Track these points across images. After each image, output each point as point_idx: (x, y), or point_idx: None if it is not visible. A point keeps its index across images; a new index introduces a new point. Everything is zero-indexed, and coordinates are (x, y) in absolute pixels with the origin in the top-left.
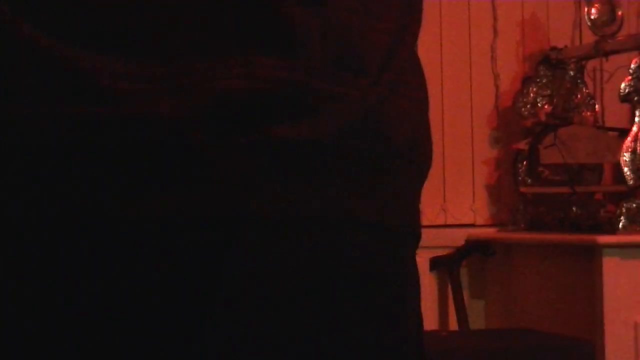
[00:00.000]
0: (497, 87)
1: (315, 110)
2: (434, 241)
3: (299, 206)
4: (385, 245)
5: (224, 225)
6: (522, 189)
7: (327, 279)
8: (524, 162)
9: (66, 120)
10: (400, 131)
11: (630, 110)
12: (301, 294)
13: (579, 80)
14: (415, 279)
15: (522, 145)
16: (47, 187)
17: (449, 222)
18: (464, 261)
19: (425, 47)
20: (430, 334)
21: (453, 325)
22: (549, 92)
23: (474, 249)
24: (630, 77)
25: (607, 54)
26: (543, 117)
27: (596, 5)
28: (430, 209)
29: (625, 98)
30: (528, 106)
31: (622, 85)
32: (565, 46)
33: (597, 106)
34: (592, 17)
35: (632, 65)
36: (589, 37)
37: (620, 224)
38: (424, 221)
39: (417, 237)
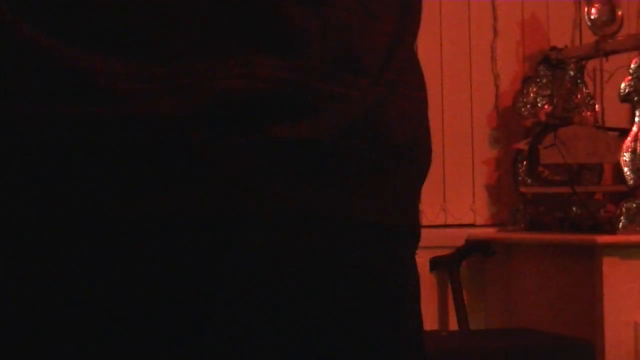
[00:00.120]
0: (497, 87)
1: (315, 110)
2: (434, 241)
3: (299, 206)
4: (385, 245)
5: (224, 225)
6: (522, 189)
7: (327, 279)
8: (524, 162)
9: (66, 120)
10: (400, 131)
11: (630, 110)
12: (301, 294)
13: (579, 80)
14: (415, 279)
15: (522, 145)
16: (47, 187)
17: (449, 222)
18: (464, 261)
19: (425, 47)
20: (430, 334)
21: (453, 325)
22: (549, 92)
23: (474, 249)
24: (630, 77)
25: (607, 54)
26: (543, 117)
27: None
28: (430, 209)
29: (625, 98)
30: (528, 106)
31: (622, 85)
32: (565, 46)
33: (597, 106)
34: (592, 17)
35: (632, 65)
36: (589, 37)
37: (620, 224)
38: (424, 221)
39: (417, 237)
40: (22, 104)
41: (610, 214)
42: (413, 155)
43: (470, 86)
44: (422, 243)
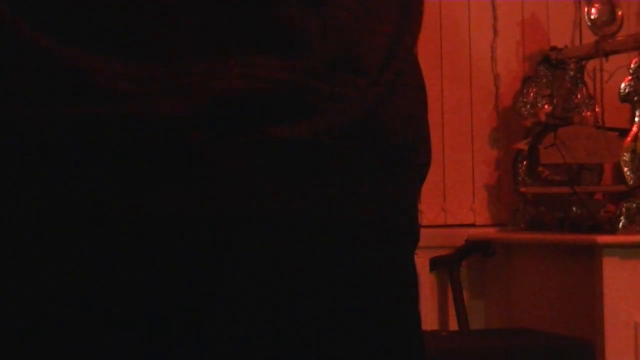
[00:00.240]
0: (497, 87)
1: (315, 110)
2: (434, 241)
3: (299, 206)
4: (385, 245)
5: (224, 225)
6: (522, 189)
7: (327, 279)
8: (524, 162)
9: (66, 120)
10: (399, 131)
11: (630, 110)
12: (301, 294)
13: (579, 80)
14: (414, 279)
15: (522, 145)
16: (47, 187)
17: (449, 222)
18: (464, 261)
19: (426, 47)
20: (430, 334)
21: (453, 325)
22: (549, 92)
23: (474, 249)
24: (630, 77)
25: (607, 54)
26: (543, 117)
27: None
28: (430, 209)
29: (625, 98)
30: (528, 106)
31: (622, 85)
32: (565, 46)
33: (597, 106)
34: (592, 17)
35: (632, 65)
36: (589, 37)
37: (620, 224)
38: (424, 221)
39: (416, 238)
40: (22, 104)
41: (610, 214)
42: (412, 156)
43: (470, 86)
44: (422, 243)
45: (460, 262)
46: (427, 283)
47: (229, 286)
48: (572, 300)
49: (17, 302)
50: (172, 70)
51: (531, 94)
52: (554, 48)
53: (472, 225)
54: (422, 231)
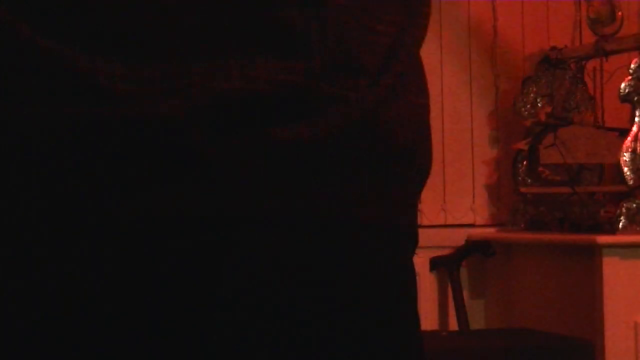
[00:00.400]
0: (497, 87)
1: (315, 111)
2: (434, 241)
3: (299, 207)
4: (384, 246)
5: (224, 225)
6: (522, 189)
7: (327, 279)
8: (524, 162)
9: (66, 121)
10: (399, 133)
11: (630, 110)
12: (301, 294)
13: (578, 80)
14: (413, 280)
15: (522, 145)
16: (47, 187)
17: (449, 222)
18: (464, 261)
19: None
20: (430, 334)
21: (453, 325)
22: (549, 92)
23: (474, 249)
24: (630, 77)
25: (607, 54)
26: (543, 117)
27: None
28: (430, 209)
29: (625, 98)
30: (528, 106)
31: (622, 85)
32: (565, 46)
33: (597, 106)
34: (592, 17)
35: (632, 65)
36: (589, 37)
37: (620, 224)
38: (424, 221)
39: (415, 240)
40: (22, 104)
41: (610, 214)
42: (412, 158)
43: (470, 86)
44: (422, 243)
45: (460, 262)
46: (427, 283)
47: (229, 286)
48: (572, 300)
49: (17, 302)
50: (172, 71)
51: (531, 94)
52: (554, 48)
53: (472, 225)
54: (422, 231)
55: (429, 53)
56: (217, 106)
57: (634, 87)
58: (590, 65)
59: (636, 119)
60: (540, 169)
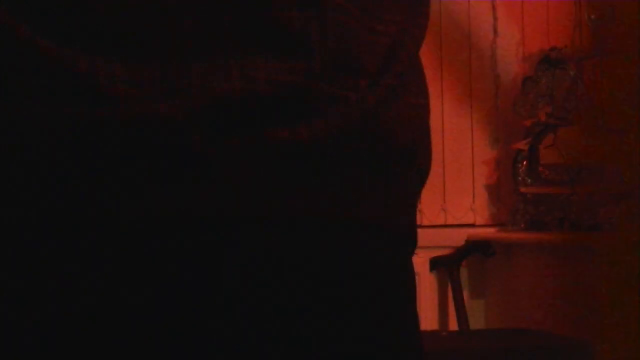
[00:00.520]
0: (497, 87)
1: (315, 112)
2: (434, 241)
3: (298, 207)
4: (384, 246)
5: (224, 225)
6: (522, 189)
7: (326, 279)
8: (524, 162)
9: (66, 121)
10: (399, 134)
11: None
12: (301, 294)
13: (579, 80)
14: (412, 280)
15: (522, 145)
16: (47, 187)
17: (449, 222)
18: (464, 261)
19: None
20: (430, 334)
21: (453, 325)
22: (549, 92)
23: (474, 249)
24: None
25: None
26: (543, 117)
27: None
28: (430, 209)
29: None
30: (528, 106)
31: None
32: (565, 46)
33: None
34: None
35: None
36: (589, 37)
37: (620, 224)
38: (424, 221)
39: (414, 240)
40: (22, 104)
41: (610, 214)
42: (412, 158)
43: (470, 86)
44: (422, 243)
45: (460, 262)
46: (427, 283)
47: (229, 286)
48: (572, 300)
49: (17, 302)
50: (171, 71)
51: (531, 94)
52: (554, 48)
53: (472, 225)
54: (422, 231)
55: (429, 53)
56: (217, 106)
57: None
58: (590, 65)
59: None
60: (540, 169)
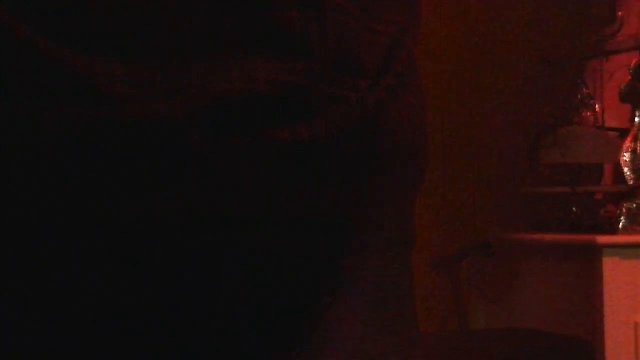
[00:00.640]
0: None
1: (315, 112)
2: (434, 241)
3: (298, 207)
4: (383, 246)
5: (224, 225)
6: (522, 189)
7: (327, 279)
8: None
9: (66, 121)
10: (398, 134)
11: (630, 110)
12: (301, 294)
13: (579, 80)
14: (411, 281)
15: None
16: (48, 188)
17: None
18: (463, 261)
19: (426, 47)
20: (430, 334)
21: (453, 325)
22: (549, 92)
23: (474, 249)
24: (630, 77)
25: (607, 54)
26: (543, 117)
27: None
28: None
29: (625, 98)
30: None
31: (622, 85)
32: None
33: (597, 106)
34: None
35: (632, 65)
36: (589, 37)
37: (620, 224)
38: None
39: (413, 240)
40: (22, 105)
41: (610, 214)
42: (411, 159)
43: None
44: (422, 243)
45: (460, 262)
46: (427, 283)
47: (229, 286)
48: (572, 300)
49: (18, 302)
50: (171, 72)
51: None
52: (554, 48)
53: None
54: (422, 231)
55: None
56: (217, 106)
57: (634, 87)
58: (590, 65)
59: (636, 119)
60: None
